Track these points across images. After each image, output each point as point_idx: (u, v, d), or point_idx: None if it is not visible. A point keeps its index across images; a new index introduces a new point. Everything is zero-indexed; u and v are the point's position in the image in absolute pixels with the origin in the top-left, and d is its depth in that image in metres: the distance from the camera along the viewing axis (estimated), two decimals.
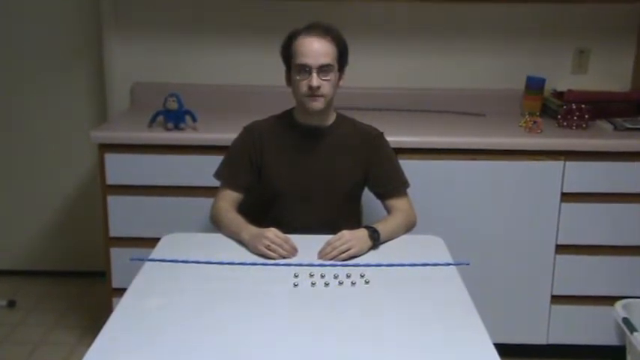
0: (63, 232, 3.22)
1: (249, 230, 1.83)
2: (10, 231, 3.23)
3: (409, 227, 2.00)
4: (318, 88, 1.88)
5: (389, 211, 2.03)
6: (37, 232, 3.23)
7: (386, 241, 1.87)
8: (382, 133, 2.08)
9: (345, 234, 1.79)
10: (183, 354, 1.31)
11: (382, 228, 1.87)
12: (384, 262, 1.73)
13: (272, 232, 1.77)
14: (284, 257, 1.74)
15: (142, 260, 1.72)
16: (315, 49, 1.87)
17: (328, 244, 1.77)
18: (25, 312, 2.94)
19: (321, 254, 1.76)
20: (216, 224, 1.98)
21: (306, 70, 1.88)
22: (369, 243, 1.81)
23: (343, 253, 1.75)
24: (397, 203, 2.03)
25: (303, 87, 1.89)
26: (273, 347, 1.34)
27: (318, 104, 1.91)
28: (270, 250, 1.74)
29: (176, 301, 1.52)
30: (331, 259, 1.74)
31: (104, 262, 2.50)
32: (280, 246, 1.75)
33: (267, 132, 2.03)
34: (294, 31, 1.93)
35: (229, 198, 2.00)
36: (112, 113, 2.89)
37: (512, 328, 2.52)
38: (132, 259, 1.73)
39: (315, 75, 1.87)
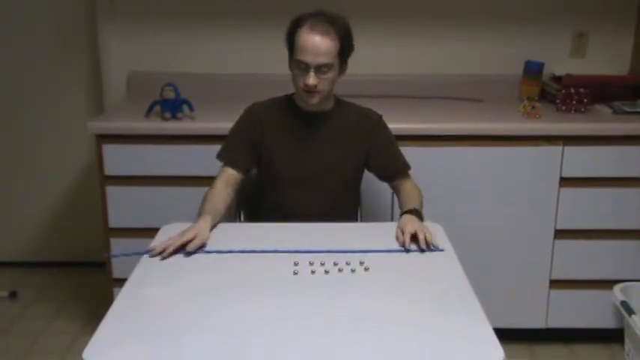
0: (63, 224, 3.22)
1: (196, 223, 1.77)
2: (10, 223, 3.23)
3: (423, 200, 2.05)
4: (315, 86, 1.87)
5: (398, 190, 2.06)
6: (37, 223, 3.24)
7: None
8: (381, 116, 2.08)
9: (414, 225, 1.77)
10: (184, 342, 1.31)
11: (419, 208, 1.92)
12: (378, 249, 1.73)
13: (181, 233, 1.71)
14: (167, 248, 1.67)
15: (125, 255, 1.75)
16: (316, 46, 1.84)
17: (420, 232, 1.73)
18: (26, 303, 2.95)
19: (421, 242, 1.72)
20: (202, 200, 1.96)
21: (304, 67, 1.87)
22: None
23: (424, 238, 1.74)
24: (406, 182, 2.07)
25: (301, 83, 1.89)
26: (272, 333, 1.34)
27: (313, 100, 1.92)
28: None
29: (176, 291, 1.52)
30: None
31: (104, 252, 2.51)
32: (167, 240, 1.68)
33: (267, 114, 2.03)
34: (299, 17, 1.90)
35: (226, 176, 1.99)
36: (109, 103, 2.88)
37: (511, 313, 2.53)
38: (113, 256, 1.76)
39: (312, 74, 1.86)
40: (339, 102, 2.06)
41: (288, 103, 2.04)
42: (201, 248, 1.70)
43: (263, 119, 2.02)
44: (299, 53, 1.87)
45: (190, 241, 1.69)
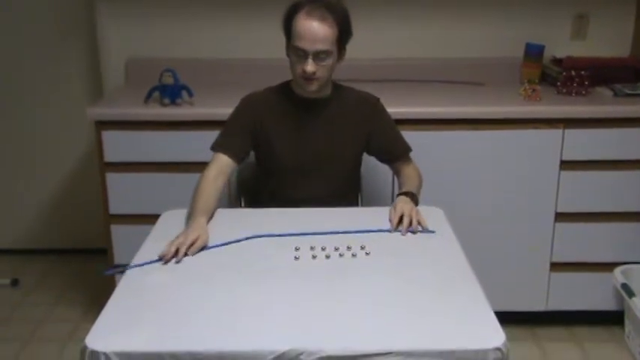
0: (63, 211, 3.22)
1: (192, 222, 1.71)
2: (10, 210, 3.23)
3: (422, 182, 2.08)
4: (313, 73, 1.86)
5: (399, 173, 2.08)
6: (37, 210, 3.24)
7: None
8: (379, 99, 2.08)
9: (405, 204, 1.81)
10: (185, 327, 1.32)
11: (415, 191, 1.94)
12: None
13: (183, 237, 1.63)
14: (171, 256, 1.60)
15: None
16: (314, 33, 1.82)
17: (407, 217, 1.76)
18: (28, 290, 2.96)
19: (404, 227, 1.75)
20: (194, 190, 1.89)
21: (302, 53, 1.85)
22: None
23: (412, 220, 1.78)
24: (406, 165, 2.08)
25: (299, 69, 1.87)
26: (274, 317, 1.35)
27: (312, 87, 1.90)
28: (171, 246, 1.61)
29: (177, 277, 1.53)
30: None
31: (105, 239, 2.51)
32: (170, 246, 1.60)
33: (265, 104, 2.01)
34: (296, 3, 1.87)
35: (219, 165, 1.92)
36: (108, 89, 2.87)
37: (512, 296, 2.54)
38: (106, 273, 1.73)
39: (310, 60, 1.84)
40: (336, 87, 2.04)
41: (285, 90, 2.02)
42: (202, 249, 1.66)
43: (262, 108, 2.00)
44: (296, 40, 1.84)
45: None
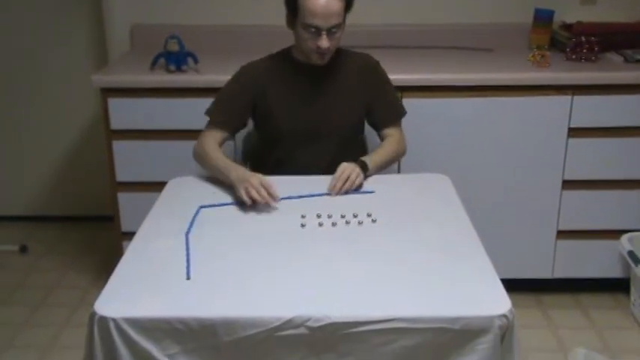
0: (70, 178, 3.23)
1: (238, 172, 1.77)
2: (18, 178, 3.24)
3: (400, 154, 2.07)
4: (328, 48, 1.86)
5: (383, 138, 2.07)
6: (45, 178, 3.25)
7: (378, 171, 1.93)
8: (379, 61, 2.07)
9: (347, 165, 1.83)
10: (192, 294, 1.33)
11: (373, 160, 1.92)
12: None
13: (256, 179, 1.69)
14: (260, 202, 1.67)
15: None
16: (326, 9, 1.81)
17: (338, 179, 1.79)
18: (37, 257, 2.98)
19: (335, 189, 1.78)
20: (200, 161, 1.94)
21: (314, 30, 1.83)
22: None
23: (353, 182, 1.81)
24: (393, 131, 2.07)
25: (312, 45, 1.86)
26: (279, 283, 1.36)
27: (324, 60, 1.91)
28: (247, 194, 1.67)
29: (184, 243, 1.53)
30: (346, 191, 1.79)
31: (112, 206, 2.52)
32: (258, 191, 1.66)
33: (267, 72, 1.99)
34: None
35: (216, 136, 1.95)
36: (113, 56, 2.85)
37: (518, 263, 2.55)
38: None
39: (325, 36, 1.83)
40: (335, 51, 2.02)
41: (286, 57, 2.00)
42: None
43: (264, 76, 1.98)
44: (308, 17, 1.83)
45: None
